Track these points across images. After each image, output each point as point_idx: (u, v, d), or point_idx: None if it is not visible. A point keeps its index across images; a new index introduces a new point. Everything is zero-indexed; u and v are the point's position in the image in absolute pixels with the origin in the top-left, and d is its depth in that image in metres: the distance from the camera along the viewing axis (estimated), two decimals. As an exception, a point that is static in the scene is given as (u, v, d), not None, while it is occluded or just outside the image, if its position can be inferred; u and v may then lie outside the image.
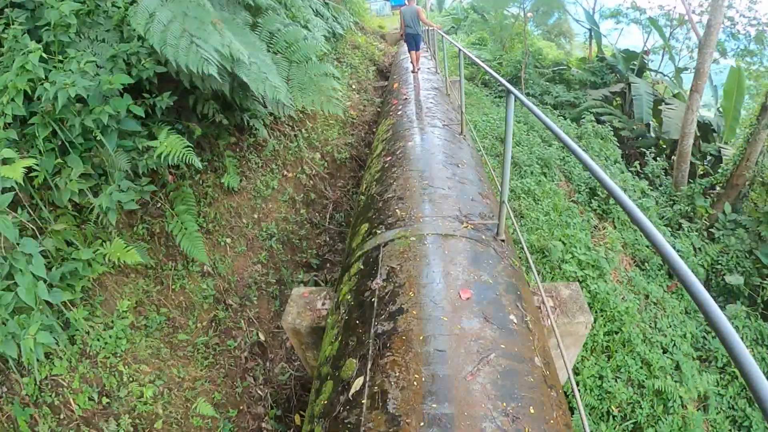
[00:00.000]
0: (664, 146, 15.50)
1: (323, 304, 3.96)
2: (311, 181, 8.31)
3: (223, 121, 6.03)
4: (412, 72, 10.81)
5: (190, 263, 5.61)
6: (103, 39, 4.39)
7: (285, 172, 7.80)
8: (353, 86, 12.42)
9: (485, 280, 2.98)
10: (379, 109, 11.22)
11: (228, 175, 6.36)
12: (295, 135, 8.57)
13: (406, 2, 10.55)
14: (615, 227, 9.66)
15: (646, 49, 18.89)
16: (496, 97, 17.83)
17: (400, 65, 13.25)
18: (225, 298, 5.94)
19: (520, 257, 4.49)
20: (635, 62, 17.83)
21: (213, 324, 5.53)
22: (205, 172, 6.62)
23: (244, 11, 5.81)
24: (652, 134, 15.39)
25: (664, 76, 19.56)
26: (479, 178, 4.89)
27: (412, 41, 10.53)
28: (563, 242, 7.76)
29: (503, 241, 3.64)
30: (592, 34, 19.25)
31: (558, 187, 9.94)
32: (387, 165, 5.33)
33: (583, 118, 12.92)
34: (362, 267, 3.49)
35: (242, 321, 5.86)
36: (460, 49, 6.01)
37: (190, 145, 4.47)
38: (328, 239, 8.09)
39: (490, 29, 26.46)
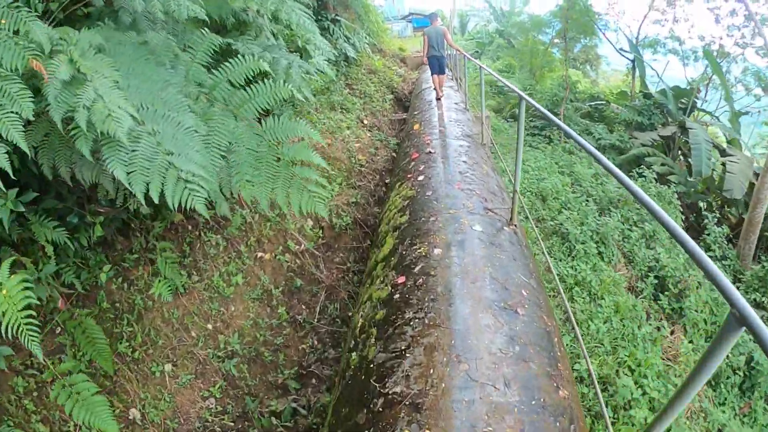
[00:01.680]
0: (718, 203, 13.17)
1: None
2: (297, 261, 6.14)
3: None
4: (437, 99, 9.80)
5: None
6: None
7: (260, 254, 5.65)
8: (365, 121, 10.31)
9: None
10: (394, 155, 9.06)
11: (160, 282, 4.21)
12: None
13: (431, 23, 9.85)
14: (685, 331, 7.45)
15: (697, 86, 16.64)
16: (528, 135, 15.66)
17: (422, 97, 11.14)
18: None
19: None
20: (684, 100, 15.60)
21: None
22: (135, 267, 4.49)
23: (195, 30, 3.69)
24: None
25: (716, 118, 17.26)
26: (554, 356, 2.71)
27: (437, 64, 9.79)
28: (631, 369, 5.66)
29: None
30: (635, 65, 17.04)
31: (616, 271, 7.71)
32: (398, 299, 3.18)
33: (640, 171, 10.66)
34: None
35: None
36: (521, 97, 3.83)
37: (31, 297, 2.31)
38: (315, 342, 5.90)
39: (518, 56, 24.43)
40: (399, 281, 3.40)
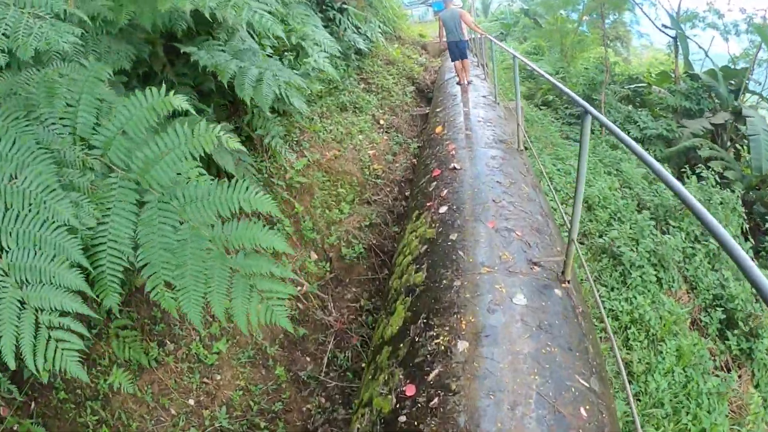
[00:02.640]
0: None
1: None
2: (299, 306, 5.15)
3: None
4: (459, 84, 9.20)
5: None
6: None
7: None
8: (381, 121, 9.19)
9: None
10: (414, 161, 7.94)
11: (118, 370, 3.27)
12: (277, 221, 5.43)
13: (445, 5, 9.24)
14: (753, 375, 6.31)
15: (750, 65, 14.95)
16: (564, 124, 14.30)
17: (445, 90, 9.95)
18: None
19: None
20: (732, 81, 13.97)
21: None
22: (95, 345, 3.56)
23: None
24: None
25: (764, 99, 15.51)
26: None
27: (456, 50, 9.08)
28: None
29: None
30: (678, 42, 15.39)
31: (677, 299, 6.53)
32: (403, 424, 2.16)
33: (698, 171, 9.28)
34: None
35: None
36: (586, 110, 2.72)
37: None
38: (323, 401, 4.93)
39: (547, 36, 22.85)
40: (407, 392, 2.36)
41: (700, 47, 15.02)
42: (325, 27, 9.15)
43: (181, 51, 3.78)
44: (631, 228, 7.40)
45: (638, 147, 1.99)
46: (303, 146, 6.54)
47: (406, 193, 7.34)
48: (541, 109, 15.64)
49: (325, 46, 6.97)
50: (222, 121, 4.42)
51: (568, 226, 3.09)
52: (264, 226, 2.27)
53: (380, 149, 7.95)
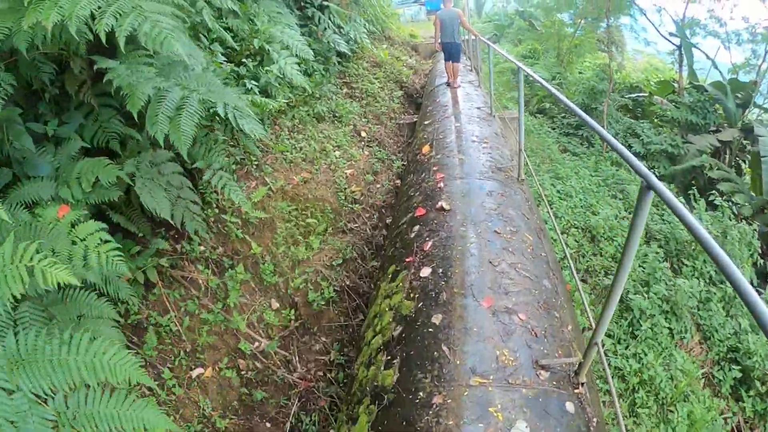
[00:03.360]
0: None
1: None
2: (256, 365, 4.22)
3: None
4: (447, 84, 9.26)
5: None
6: None
7: (195, 372, 3.73)
8: (363, 133, 8.26)
9: None
10: (397, 185, 7.02)
11: None
12: (229, 267, 4.49)
13: (443, 5, 8.98)
14: None
15: (760, 78, 14.20)
16: (561, 135, 13.46)
17: (435, 98, 9.04)
18: None
19: None
20: (739, 95, 13.19)
21: None
22: None
23: None
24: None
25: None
26: None
27: (450, 51, 8.93)
28: None
29: None
30: (682, 51, 14.59)
31: (690, 352, 5.74)
32: None
33: (711, 199, 8.46)
34: None
35: None
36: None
37: None
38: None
39: (542, 39, 22.03)
40: None
41: (708, 57, 14.23)
42: (303, 26, 8.22)
43: (101, 66, 2.83)
44: (641, 266, 6.57)
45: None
46: (265, 171, 5.60)
47: (387, 221, 6.43)
48: (536, 117, 14.80)
49: (295, 49, 6.04)
50: (158, 147, 3.46)
51: (591, 324, 2.22)
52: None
53: (360, 167, 7.02)
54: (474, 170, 4.81)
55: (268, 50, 5.36)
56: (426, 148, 5.88)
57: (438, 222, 3.84)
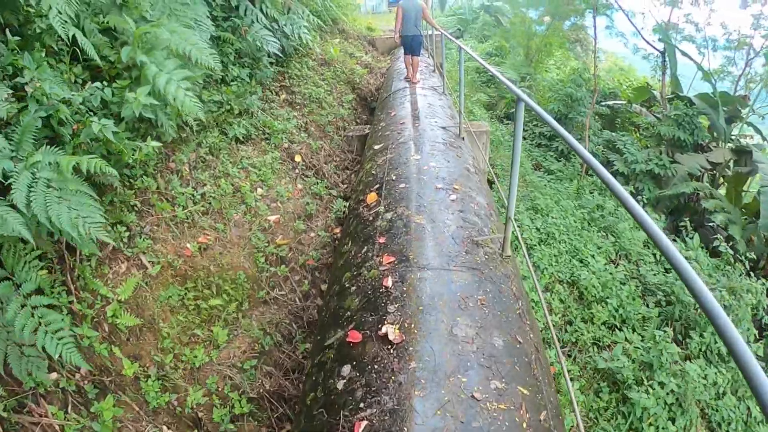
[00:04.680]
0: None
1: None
2: None
3: None
4: (406, 79, 8.78)
5: None
6: None
7: None
8: (297, 157, 6.48)
9: None
10: (336, 235, 5.28)
11: None
12: (95, 398, 2.73)
13: None
14: None
15: (744, 93, 13.09)
16: (532, 146, 11.99)
17: (390, 109, 7.36)
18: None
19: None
20: (725, 109, 12.01)
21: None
22: None
23: None
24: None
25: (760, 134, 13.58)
26: None
27: (411, 44, 8.41)
28: None
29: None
30: (666, 58, 13.32)
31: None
32: None
33: (716, 245, 7.16)
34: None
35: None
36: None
37: None
38: None
39: (510, 36, 20.57)
40: None
41: (697, 64, 12.95)
42: (225, 20, 6.35)
43: None
44: (639, 337, 5.14)
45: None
46: (139, 246, 3.82)
47: (322, 287, 4.72)
48: (504, 123, 13.29)
49: (195, 57, 4.22)
50: None
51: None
52: None
53: (288, 210, 5.25)
54: (440, 249, 3.14)
55: (143, 63, 3.54)
56: (372, 197, 4.16)
57: (380, 369, 2.18)
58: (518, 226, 7.11)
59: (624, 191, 1.55)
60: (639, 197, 9.43)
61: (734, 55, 15.38)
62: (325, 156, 7.60)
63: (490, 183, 6.67)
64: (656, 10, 15.30)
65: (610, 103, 13.91)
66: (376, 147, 5.47)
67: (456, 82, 15.34)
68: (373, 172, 4.76)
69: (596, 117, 13.38)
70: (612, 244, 7.28)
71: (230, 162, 5.31)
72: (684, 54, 12.61)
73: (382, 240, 3.40)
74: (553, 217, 7.23)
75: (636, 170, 10.17)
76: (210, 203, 4.59)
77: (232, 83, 6.05)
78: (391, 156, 4.91)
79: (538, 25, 18.62)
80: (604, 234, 7.61)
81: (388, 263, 3.09)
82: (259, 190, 5.30)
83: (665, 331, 5.24)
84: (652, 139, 11.25)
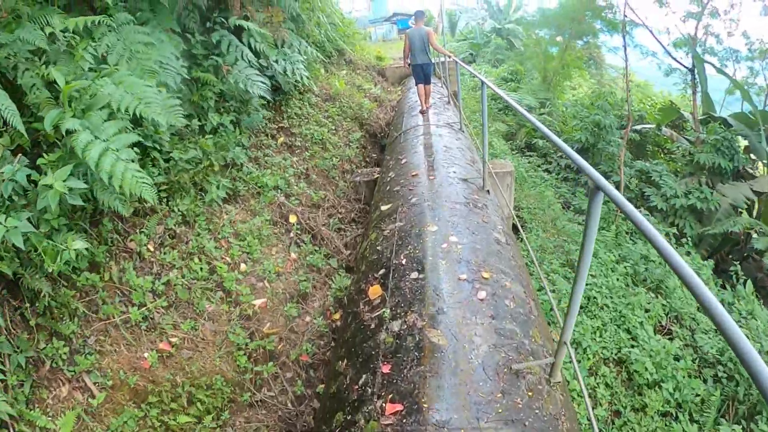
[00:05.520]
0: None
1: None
2: None
3: None
4: (421, 112, 8.31)
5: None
6: None
7: None
8: (292, 217, 5.58)
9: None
10: (337, 320, 4.33)
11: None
12: None
13: (412, 23, 8.29)
14: None
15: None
16: (558, 179, 11.00)
17: (401, 154, 6.48)
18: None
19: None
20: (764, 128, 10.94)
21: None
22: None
23: None
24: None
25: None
26: None
27: (421, 73, 8.15)
28: None
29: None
30: (696, 75, 12.33)
31: None
32: None
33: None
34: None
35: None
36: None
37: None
38: None
39: (525, 59, 19.76)
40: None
41: (733, 80, 11.93)
42: (206, 58, 5.56)
43: None
44: (698, 425, 4.11)
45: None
46: (80, 363, 2.95)
47: (318, 389, 3.76)
48: (526, 156, 12.33)
49: (149, 116, 3.36)
50: None
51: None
52: None
53: (278, 290, 4.32)
54: (466, 391, 2.20)
55: (71, 132, 2.70)
56: (375, 290, 3.22)
57: None
58: (552, 290, 6.12)
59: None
60: (673, 236, 8.34)
61: (759, 66, 14.39)
62: (329, 207, 6.71)
63: (515, 228, 5.74)
64: (675, 24, 14.24)
65: (638, 127, 12.90)
66: (384, 208, 4.54)
67: (472, 111, 14.45)
68: (378, 247, 3.82)
69: (619, 142, 12.37)
70: (661, 305, 6.24)
71: (208, 231, 4.43)
72: (720, 71, 11.60)
73: (386, 369, 2.45)
74: (591, 275, 6.21)
75: (675, 205, 9.10)
76: (176, 293, 3.68)
77: (212, 134, 5.22)
78: (401, 224, 3.97)
79: (551, 45, 17.79)
80: (652, 292, 6.57)
81: (392, 414, 2.15)
82: (243, 267, 4.39)
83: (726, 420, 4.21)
84: (688, 167, 10.17)
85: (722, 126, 10.74)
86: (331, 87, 10.09)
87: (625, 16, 11.48)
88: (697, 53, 11.97)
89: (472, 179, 4.92)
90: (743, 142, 10.97)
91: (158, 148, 4.32)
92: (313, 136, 7.86)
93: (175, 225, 4.23)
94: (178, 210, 4.32)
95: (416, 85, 8.35)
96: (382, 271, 3.49)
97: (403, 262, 3.40)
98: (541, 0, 30.55)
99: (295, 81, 7.29)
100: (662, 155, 12.87)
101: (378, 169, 7.62)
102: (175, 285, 3.79)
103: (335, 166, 7.76)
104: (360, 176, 7.65)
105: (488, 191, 4.82)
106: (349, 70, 12.89)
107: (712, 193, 9.44)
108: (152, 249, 3.91)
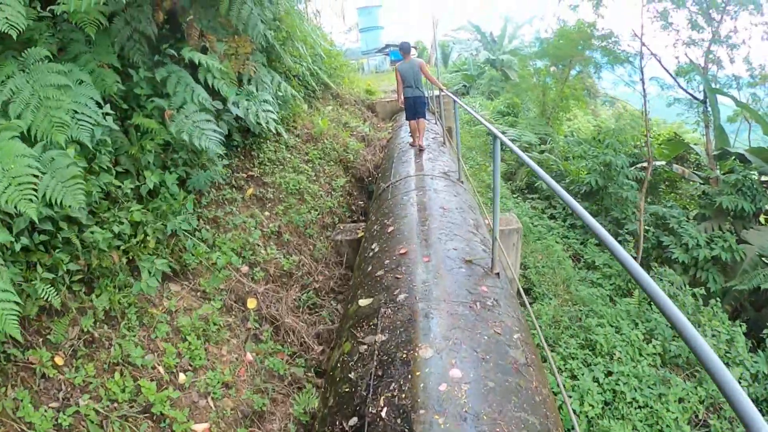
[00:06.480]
0: None
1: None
2: None
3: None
4: (411, 145, 7.93)
5: None
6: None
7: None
8: (251, 302, 4.50)
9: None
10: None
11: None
12: None
13: (403, 56, 7.49)
14: None
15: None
16: (564, 228, 9.99)
17: (388, 216, 5.43)
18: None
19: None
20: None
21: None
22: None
23: None
24: None
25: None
26: None
27: (413, 107, 7.57)
28: None
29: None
30: (708, 109, 11.50)
31: None
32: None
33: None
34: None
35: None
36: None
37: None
38: None
39: (522, 91, 18.98)
40: None
41: (752, 112, 11.09)
42: (149, 98, 4.54)
43: None
44: None
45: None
46: None
47: None
48: (528, 200, 11.34)
49: (26, 207, 2.31)
50: None
51: None
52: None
53: (227, 409, 3.21)
54: None
55: None
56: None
57: None
58: (569, 378, 5.02)
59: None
60: (701, 297, 7.29)
61: (762, 91, 13.63)
62: (304, 275, 5.63)
63: (520, 294, 4.70)
64: (685, 52, 13.45)
65: (644, 164, 11.98)
66: (362, 303, 3.46)
67: (468, 147, 13.51)
68: (351, 375, 2.73)
69: (632, 184, 11.41)
70: (694, 390, 5.15)
71: (140, 328, 3.34)
72: (739, 104, 10.75)
73: None
74: (618, 359, 5.13)
75: (698, 257, 8.09)
76: (87, 429, 2.58)
77: (151, 197, 4.16)
78: (382, 339, 2.89)
79: (547, 76, 17.07)
80: (684, 372, 5.49)
81: None
82: (182, 377, 3.29)
83: None
84: (706, 209, 9.21)
85: (741, 163, 9.85)
86: (313, 125, 9.11)
87: (642, 47, 10.68)
88: (709, 83, 11.15)
89: (477, 259, 3.86)
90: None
91: (71, 224, 3.27)
92: (289, 185, 6.84)
93: (93, 326, 3.14)
94: (100, 306, 3.24)
95: (407, 120, 7.90)
96: (353, 421, 2.40)
97: (383, 414, 2.32)
98: (537, 29, 30.08)
99: (262, 126, 6.24)
100: (674, 194, 11.93)
101: (362, 226, 6.58)
102: (86, 416, 2.69)
103: (314, 221, 6.72)
104: (341, 234, 6.59)
105: (497, 274, 3.77)
106: (336, 105, 11.95)
107: (736, 240, 8.47)
108: (61, 362, 2.83)
